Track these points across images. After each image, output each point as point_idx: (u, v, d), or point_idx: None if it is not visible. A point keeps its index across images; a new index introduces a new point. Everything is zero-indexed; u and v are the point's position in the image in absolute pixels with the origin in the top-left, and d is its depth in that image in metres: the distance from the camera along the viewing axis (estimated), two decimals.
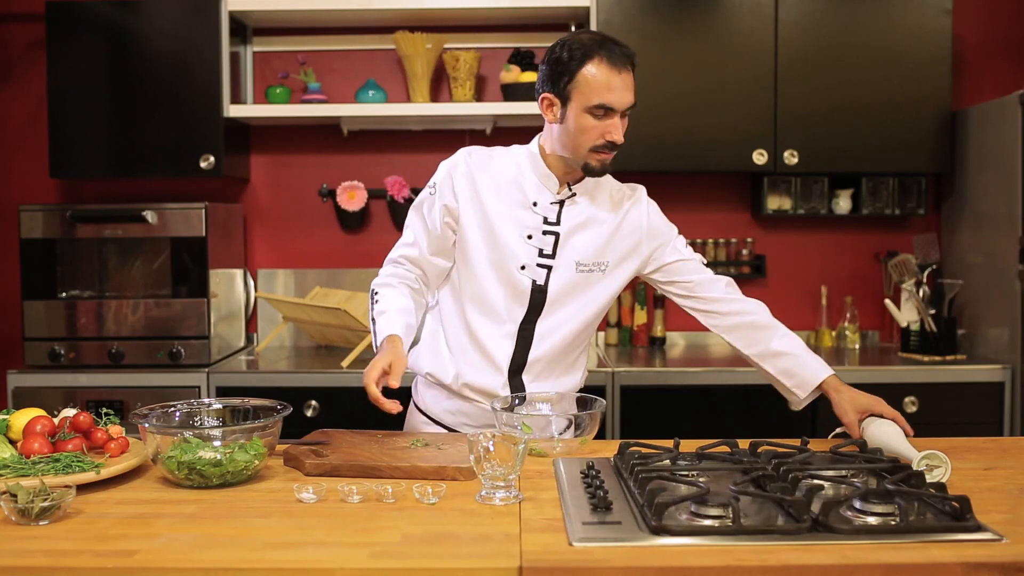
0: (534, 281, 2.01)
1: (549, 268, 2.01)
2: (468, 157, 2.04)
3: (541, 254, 2.01)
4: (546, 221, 2.01)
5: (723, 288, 2.11)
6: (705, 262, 2.15)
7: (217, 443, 1.66)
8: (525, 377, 2.06)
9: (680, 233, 2.15)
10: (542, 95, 1.99)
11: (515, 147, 2.10)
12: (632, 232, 2.08)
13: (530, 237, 2.00)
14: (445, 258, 2.08)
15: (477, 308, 2.04)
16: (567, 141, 1.96)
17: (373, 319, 2.01)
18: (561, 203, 2.02)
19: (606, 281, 2.06)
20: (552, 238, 2.01)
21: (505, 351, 2.04)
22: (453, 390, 2.07)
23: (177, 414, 1.85)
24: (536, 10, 3.46)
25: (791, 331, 2.10)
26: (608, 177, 2.09)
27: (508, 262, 2.00)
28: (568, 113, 1.94)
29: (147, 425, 1.69)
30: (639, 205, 2.10)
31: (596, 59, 1.90)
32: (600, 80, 1.89)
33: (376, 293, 2.05)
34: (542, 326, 2.05)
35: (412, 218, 2.10)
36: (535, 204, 2.01)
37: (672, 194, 3.73)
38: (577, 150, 1.96)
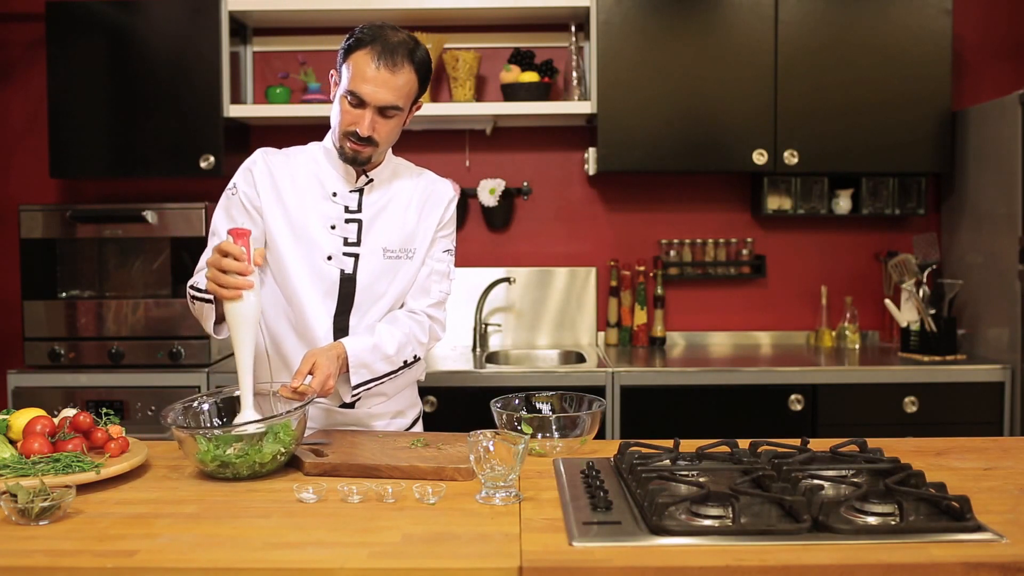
0: (342, 271, 2.00)
1: (356, 256, 2.01)
2: (265, 155, 2.04)
3: (346, 243, 2.01)
4: (347, 210, 2.02)
5: (413, 309, 2.08)
6: (444, 295, 2.10)
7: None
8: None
9: (452, 253, 2.13)
10: (332, 71, 2.00)
11: (311, 144, 2.10)
12: (431, 218, 2.09)
13: (333, 227, 2.01)
14: None
15: (287, 315, 2.02)
16: (332, 120, 1.98)
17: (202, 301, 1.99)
18: (361, 191, 2.04)
19: (415, 268, 2.07)
20: (355, 225, 2.02)
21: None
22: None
23: (205, 406, 1.87)
24: (536, 10, 3.46)
25: (420, 334, 2.05)
26: (411, 165, 2.13)
27: (314, 254, 1.99)
28: (336, 92, 1.97)
29: (187, 429, 1.72)
30: (442, 194, 2.11)
31: (367, 48, 1.90)
32: (360, 69, 1.90)
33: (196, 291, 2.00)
34: (358, 324, 2.02)
35: (218, 222, 2.03)
36: (335, 194, 2.02)
37: (672, 194, 3.75)
38: (335, 131, 1.98)
